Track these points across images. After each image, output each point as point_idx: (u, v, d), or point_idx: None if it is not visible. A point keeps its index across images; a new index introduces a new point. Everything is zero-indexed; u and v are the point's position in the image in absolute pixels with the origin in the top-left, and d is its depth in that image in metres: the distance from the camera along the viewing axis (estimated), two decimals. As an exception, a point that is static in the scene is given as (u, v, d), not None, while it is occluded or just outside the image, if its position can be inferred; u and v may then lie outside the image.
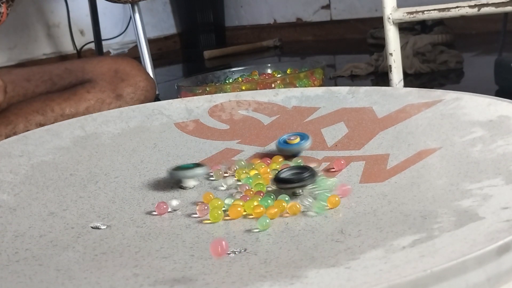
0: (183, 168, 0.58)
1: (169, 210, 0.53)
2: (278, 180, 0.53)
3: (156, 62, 1.88)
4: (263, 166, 0.60)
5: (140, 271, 0.41)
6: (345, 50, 2.30)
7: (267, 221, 0.48)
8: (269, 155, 0.65)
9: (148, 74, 1.18)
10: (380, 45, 1.85)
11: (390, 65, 1.00)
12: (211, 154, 0.67)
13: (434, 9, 0.95)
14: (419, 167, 0.55)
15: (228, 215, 0.51)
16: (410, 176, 0.54)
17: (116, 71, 1.13)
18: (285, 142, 0.62)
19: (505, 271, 0.35)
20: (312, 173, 0.53)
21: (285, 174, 0.54)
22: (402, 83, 1.02)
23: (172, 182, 0.59)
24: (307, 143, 0.62)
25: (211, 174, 0.60)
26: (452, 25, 1.97)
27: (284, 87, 1.15)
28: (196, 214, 0.52)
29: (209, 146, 0.69)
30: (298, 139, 0.62)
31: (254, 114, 0.76)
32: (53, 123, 0.81)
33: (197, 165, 0.59)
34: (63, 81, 1.14)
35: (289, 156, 0.62)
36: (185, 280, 0.39)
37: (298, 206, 0.50)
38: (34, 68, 1.17)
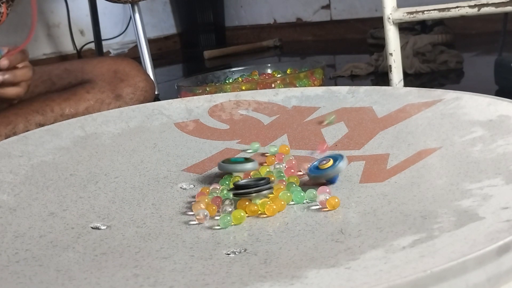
0: (233, 161, 0.59)
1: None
2: (235, 187, 0.53)
3: (156, 62, 1.88)
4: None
5: (140, 271, 0.41)
6: (345, 50, 2.30)
7: (302, 194, 0.52)
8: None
9: (147, 74, 1.18)
10: (380, 45, 1.85)
11: (390, 65, 1.00)
12: (211, 154, 0.67)
13: (434, 9, 0.95)
14: (419, 167, 0.55)
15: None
16: (410, 176, 0.54)
17: (115, 72, 1.13)
18: (317, 168, 0.55)
19: (505, 271, 0.35)
20: (267, 182, 0.53)
21: (242, 183, 0.54)
22: (402, 83, 1.02)
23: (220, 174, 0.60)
24: (343, 164, 0.54)
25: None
26: (452, 25, 1.97)
27: (284, 87, 1.15)
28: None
29: (209, 146, 0.69)
30: (331, 162, 0.54)
31: (254, 114, 0.76)
32: (53, 123, 0.81)
33: (247, 159, 0.60)
34: (62, 81, 1.14)
35: (323, 183, 0.55)
36: (185, 280, 0.39)
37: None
38: (34, 68, 1.17)
